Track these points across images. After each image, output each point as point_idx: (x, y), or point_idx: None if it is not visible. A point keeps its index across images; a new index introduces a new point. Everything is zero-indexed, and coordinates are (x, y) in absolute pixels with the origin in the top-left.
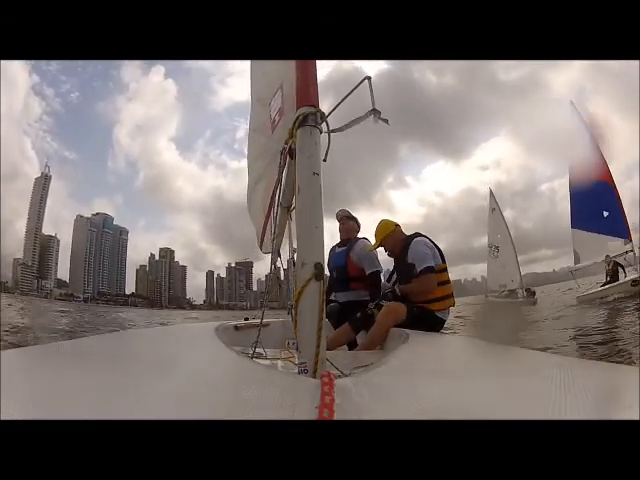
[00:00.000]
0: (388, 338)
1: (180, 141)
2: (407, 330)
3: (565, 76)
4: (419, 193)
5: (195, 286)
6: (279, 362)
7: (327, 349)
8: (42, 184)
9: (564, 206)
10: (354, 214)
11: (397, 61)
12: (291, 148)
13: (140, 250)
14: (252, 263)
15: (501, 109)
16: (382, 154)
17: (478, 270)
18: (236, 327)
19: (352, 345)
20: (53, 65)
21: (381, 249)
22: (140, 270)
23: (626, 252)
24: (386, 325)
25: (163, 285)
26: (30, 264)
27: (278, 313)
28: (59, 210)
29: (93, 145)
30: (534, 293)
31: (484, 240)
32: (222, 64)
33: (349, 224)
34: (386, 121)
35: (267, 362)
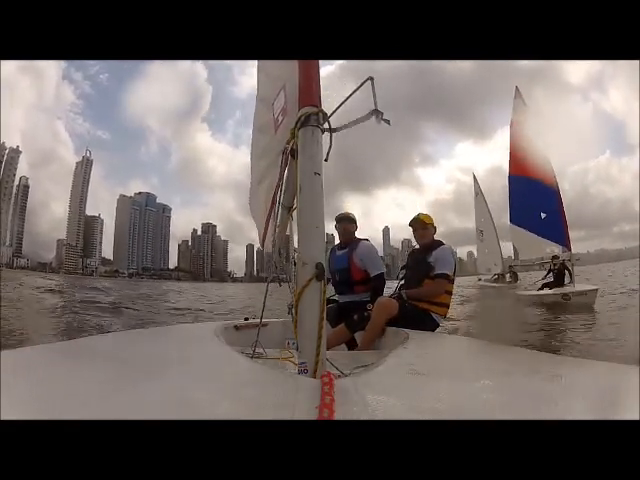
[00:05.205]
0: (388, 338)
1: (212, 122)
2: (407, 330)
3: (580, 62)
4: (446, 171)
5: (234, 259)
6: (279, 362)
7: None
8: (84, 167)
9: (597, 188)
10: (382, 192)
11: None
12: (293, 148)
13: (178, 226)
14: (289, 237)
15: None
16: (407, 134)
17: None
18: (236, 327)
19: (352, 345)
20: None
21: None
22: (182, 245)
23: (567, 260)
24: (380, 321)
25: (205, 259)
26: (74, 244)
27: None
28: (96, 191)
29: (125, 126)
30: (517, 277)
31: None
32: None
33: (350, 226)
34: (388, 122)
35: (267, 362)
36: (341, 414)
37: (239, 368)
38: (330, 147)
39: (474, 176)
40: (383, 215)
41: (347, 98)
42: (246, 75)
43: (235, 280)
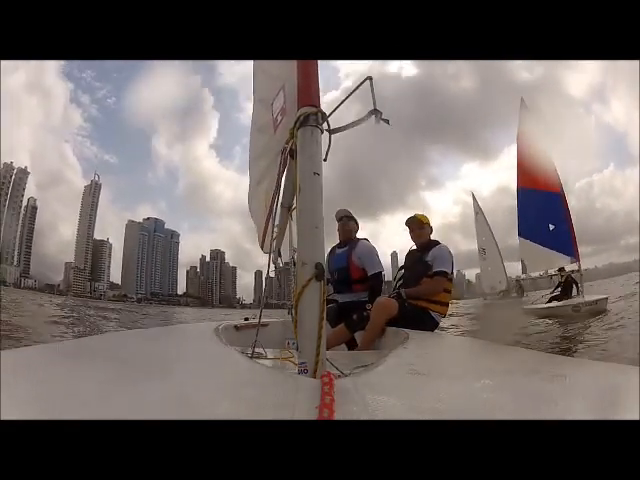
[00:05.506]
0: (388, 338)
1: (220, 148)
2: (407, 330)
3: (581, 75)
4: (453, 193)
5: (243, 286)
6: (279, 362)
7: None
8: (92, 191)
9: (602, 202)
10: (389, 217)
11: (420, 69)
12: (292, 148)
13: (186, 252)
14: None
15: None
16: (412, 157)
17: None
18: (236, 327)
19: (351, 345)
20: (87, 72)
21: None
22: (191, 271)
23: (576, 271)
24: (379, 321)
25: (214, 285)
26: (82, 267)
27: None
28: (104, 215)
29: (132, 151)
30: (523, 291)
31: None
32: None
33: (350, 224)
34: (387, 121)
35: (267, 362)
36: (341, 414)
37: (239, 368)
38: (329, 147)
39: (473, 195)
40: (390, 240)
41: (346, 98)
42: (251, 101)
43: (244, 307)
